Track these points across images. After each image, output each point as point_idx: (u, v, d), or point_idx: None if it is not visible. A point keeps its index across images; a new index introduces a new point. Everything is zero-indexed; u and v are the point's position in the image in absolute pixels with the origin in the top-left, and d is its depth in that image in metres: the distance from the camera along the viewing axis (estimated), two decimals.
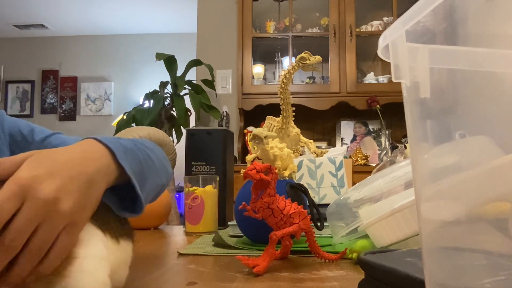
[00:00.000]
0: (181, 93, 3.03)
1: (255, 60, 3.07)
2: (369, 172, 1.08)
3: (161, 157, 0.66)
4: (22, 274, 0.39)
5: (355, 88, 2.87)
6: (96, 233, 0.46)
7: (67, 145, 0.57)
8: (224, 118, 3.07)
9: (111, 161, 0.49)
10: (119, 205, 0.52)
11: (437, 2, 0.24)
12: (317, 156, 1.07)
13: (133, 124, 2.97)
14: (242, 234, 0.88)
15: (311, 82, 3.06)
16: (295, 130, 1.09)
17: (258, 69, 3.06)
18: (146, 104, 3.21)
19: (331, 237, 0.77)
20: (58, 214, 0.40)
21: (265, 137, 0.79)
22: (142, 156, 0.57)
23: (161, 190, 0.66)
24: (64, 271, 0.41)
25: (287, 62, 3.05)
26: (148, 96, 3.13)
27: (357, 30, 2.94)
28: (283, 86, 1.05)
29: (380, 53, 0.30)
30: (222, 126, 3.04)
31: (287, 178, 0.81)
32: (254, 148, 0.83)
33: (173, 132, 3.01)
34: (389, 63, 0.28)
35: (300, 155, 1.13)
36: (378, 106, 2.75)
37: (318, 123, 3.17)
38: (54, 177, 0.40)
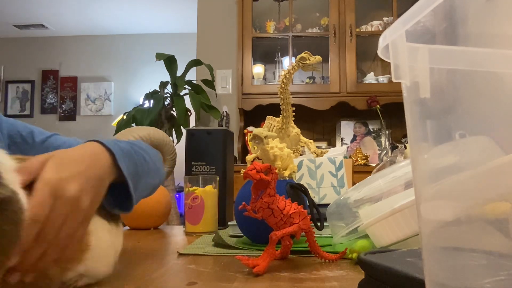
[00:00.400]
0: (181, 93, 3.03)
1: (255, 60, 3.07)
2: (369, 172, 1.08)
3: (155, 159, 0.71)
4: (49, 261, 0.45)
5: (355, 88, 2.87)
6: (103, 224, 0.55)
7: (67, 146, 0.69)
8: (224, 118, 3.07)
9: (112, 163, 0.55)
10: (112, 201, 0.58)
11: (437, 2, 0.24)
12: (317, 156, 1.07)
13: (133, 124, 2.97)
14: (242, 234, 0.88)
15: (311, 82, 3.06)
16: (295, 130, 1.09)
17: (258, 69, 3.06)
18: (146, 104, 3.21)
19: (331, 237, 0.77)
20: (79, 210, 0.47)
21: (265, 137, 0.79)
22: (137, 158, 0.62)
23: (153, 190, 0.72)
24: (80, 257, 0.50)
25: (287, 62, 3.05)
26: (148, 96, 3.13)
27: (357, 30, 2.94)
28: (283, 86, 1.05)
29: (380, 53, 0.30)
30: (222, 126, 3.04)
31: (287, 178, 0.81)
32: (254, 148, 0.83)
33: (173, 132, 3.01)
34: (389, 63, 0.28)
35: (300, 155, 1.13)
36: (378, 106, 2.75)
37: (318, 123, 3.17)
38: (76, 178, 0.47)
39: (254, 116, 3.01)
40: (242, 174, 0.59)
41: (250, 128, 2.97)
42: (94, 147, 0.54)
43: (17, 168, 0.44)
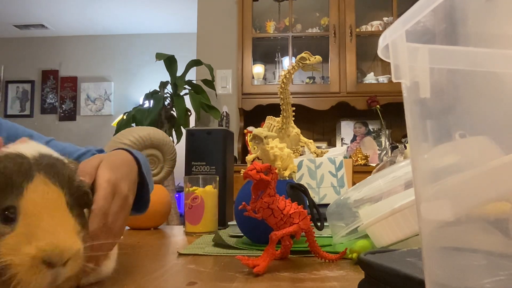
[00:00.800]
0: (181, 93, 3.03)
1: (255, 60, 3.06)
2: (369, 172, 1.08)
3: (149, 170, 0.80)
4: (106, 250, 0.51)
5: (355, 88, 2.87)
6: None
7: (67, 151, 0.76)
8: (224, 118, 3.07)
9: (137, 170, 0.64)
10: None
11: (437, 2, 0.24)
12: (317, 156, 1.07)
13: (133, 124, 2.97)
14: (242, 234, 0.88)
15: (311, 82, 3.06)
16: (295, 130, 1.09)
17: (258, 69, 3.06)
18: (146, 104, 3.21)
19: (331, 237, 0.77)
20: (128, 205, 0.56)
21: (265, 137, 0.79)
22: (147, 168, 0.71)
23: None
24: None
25: (287, 62, 3.05)
26: (148, 96, 3.13)
27: (357, 30, 2.94)
28: (283, 86, 1.05)
29: (380, 53, 0.30)
30: (222, 126, 3.04)
31: (287, 178, 0.81)
32: (254, 148, 0.83)
33: (173, 132, 3.01)
34: (389, 63, 0.28)
35: (300, 155, 1.13)
36: (378, 106, 2.75)
37: (318, 123, 3.17)
38: (125, 179, 0.56)
39: (254, 116, 3.01)
40: (242, 174, 0.59)
41: (250, 128, 2.97)
42: (127, 155, 0.63)
43: (79, 172, 0.50)
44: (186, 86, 3.04)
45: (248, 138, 2.52)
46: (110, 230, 0.51)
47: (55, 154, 0.46)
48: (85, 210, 0.49)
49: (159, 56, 2.96)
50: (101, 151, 0.83)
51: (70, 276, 0.40)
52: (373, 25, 2.99)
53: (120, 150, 0.64)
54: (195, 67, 3.09)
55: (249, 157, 0.89)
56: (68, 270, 0.40)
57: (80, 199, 0.45)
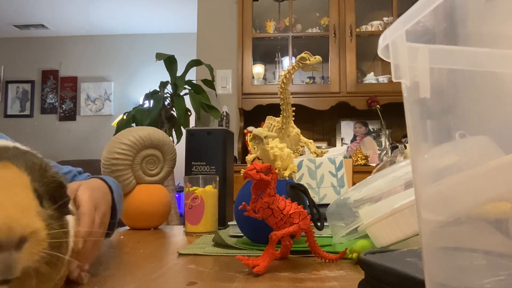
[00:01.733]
0: (181, 93, 3.03)
1: (255, 60, 3.06)
2: (369, 172, 1.08)
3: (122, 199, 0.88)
4: (90, 258, 0.56)
5: (355, 88, 2.87)
6: None
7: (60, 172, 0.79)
8: (224, 118, 3.07)
9: (111, 196, 0.71)
10: None
11: (437, 2, 0.24)
12: (317, 156, 1.07)
13: (133, 124, 2.97)
14: (242, 234, 0.88)
15: (311, 82, 3.06)
16: (295, 130, 1.09)
17: (258, 69, 3.06)
18: (146, 104, 3.21)
19: (331, 237, 0.77)
20: (105, 223, 0.63)
21: (265, 137, 0.79)
22: (119, 194, 0.78)
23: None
24: None
25: (287, 62, 3.05)
26: (148, 96, 3.13)
27: (357, 30, 2.94)
28: (283, 86, 1.05)
29: (380, 53, 0.30)
30: (222, 126, 3.04)
31: (287, 178, 0.81)
32: (254, 148, 0.83)
33: (173, 132, 3.01)
34: (389, 63, 0.29)
35: (300, 155, 1.13)
36: (378, 106, 2.75)
37: (318, 123, 3.17)
38: (103, 200, 0.64)
39: (254, 116, 3.01)
40: (242, 174, 0.59)
41: (250, 128, 2.97)
42: (101, 182, 0.70)
43: None
44: (186, 86, 3.04)
45: (248, 138, 2.52)
46: (99, 242, 0.57)
47: (26, 148, 0.43)
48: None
49: (159, 56, 2.96)
50: (80, 172, 0.88)
51: (30, 265, 0.33)
52: (373, 25, 2.99)
53: (95, 178, 0.72)
54: (195, 67, 3.09)
55: (249, 157, 0.89)
56: (26, 256, 0.32)
57: (55, 192, 0.39)
